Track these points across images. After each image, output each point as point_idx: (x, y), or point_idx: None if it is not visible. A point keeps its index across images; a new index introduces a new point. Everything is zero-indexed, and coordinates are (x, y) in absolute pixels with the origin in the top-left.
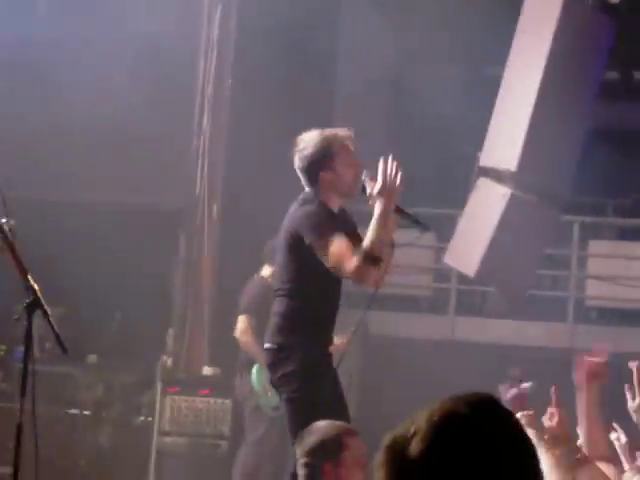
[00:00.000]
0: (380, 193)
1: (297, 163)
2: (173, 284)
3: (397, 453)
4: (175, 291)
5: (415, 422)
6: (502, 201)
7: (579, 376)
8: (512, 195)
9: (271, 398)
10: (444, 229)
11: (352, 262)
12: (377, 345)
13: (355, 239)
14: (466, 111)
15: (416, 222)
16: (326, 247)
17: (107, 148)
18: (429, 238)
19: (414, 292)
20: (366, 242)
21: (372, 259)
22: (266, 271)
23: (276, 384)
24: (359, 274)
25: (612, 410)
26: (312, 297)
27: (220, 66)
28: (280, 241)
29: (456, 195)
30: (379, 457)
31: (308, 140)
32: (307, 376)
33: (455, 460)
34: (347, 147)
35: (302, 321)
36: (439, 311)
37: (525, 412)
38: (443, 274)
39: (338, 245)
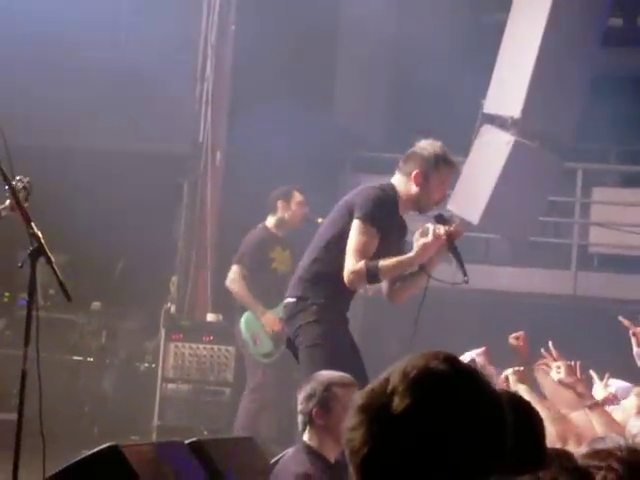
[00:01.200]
0: (424, 244)
1: (412, 155)
2: (177, 231)
3: (377, 411)
4: (178, 238)
5: (389, 380)
6: (506, 148)
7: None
8: (516, 142)
9: (259, 347)
10: None
11: (356, 263)
12: (379, 296)
13: (389, 248)
14: (469, 59)
15: (461, 267)
16: (358, 231)
17: (111, 96)
18: None
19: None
20: (384, 262)
21: (373, 278)
22: (269, 221)
23: (293, 336)
24: (351, 277)
25: (620, 355)
26: (339, 265)
27: (223, 13)
28: (336, 207)
29: (460, 142)
30: (354, 417)
31: (430, 144)
32: (325, 328)
33: (441, 413)
34: (449, 173)
35: (326, 280)
36: (443, 259)
37: (515, 369)
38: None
39: (364, 239)
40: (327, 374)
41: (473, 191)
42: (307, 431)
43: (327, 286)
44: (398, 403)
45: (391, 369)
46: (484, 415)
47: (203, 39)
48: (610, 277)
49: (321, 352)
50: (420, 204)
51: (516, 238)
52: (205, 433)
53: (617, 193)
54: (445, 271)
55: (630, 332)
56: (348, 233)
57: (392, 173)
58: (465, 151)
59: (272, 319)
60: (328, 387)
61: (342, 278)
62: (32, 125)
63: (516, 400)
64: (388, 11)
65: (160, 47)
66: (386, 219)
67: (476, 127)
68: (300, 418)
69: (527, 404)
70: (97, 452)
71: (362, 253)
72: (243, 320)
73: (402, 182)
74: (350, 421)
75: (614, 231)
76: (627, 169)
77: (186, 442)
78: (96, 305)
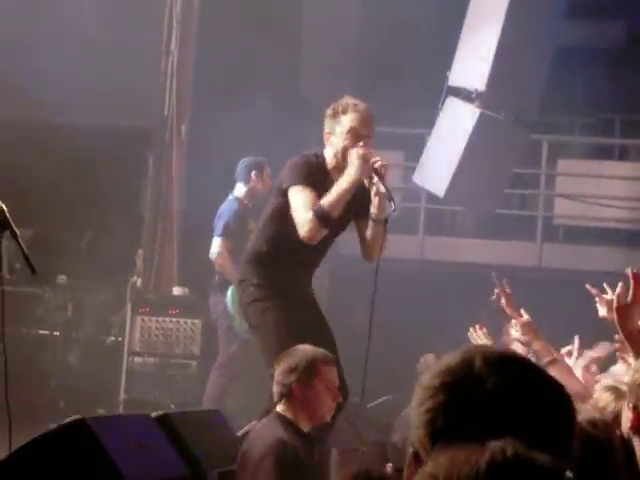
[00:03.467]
0: (360, 158)
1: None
2: (142, 205)
3: (472, 387)
4: (145, 211)
5: (468, 363)
6: (471, 120)
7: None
8: (481, 114)
9: (244, 322)
10: (412, 148)
11: (306, 215)
12: (346, 266)
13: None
14: (434, 32)
15: (390, 200)
16: (293, 195)
17: (76, 70)
18: (397, 157)
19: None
20: (325, 198)
21: (324, 218)
22: (239, 190)
23: (244, 314)
24: (306, 231)
25: (584, 325)
26: (274, 244)
27: None
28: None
29: (425, 115)
30: (437, 397)
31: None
32: (264, 306)
33: (526, 388)
34: (354, 118)
35: (261, 259)
36: (408, 231)
37: (524, 319)
38: (412, 193)
39: (301, 196)
40: (309, 349)
41: (438, 163)
42: (283, 402)
43: (263, 265)
44: (492, 381)
45: (455, 356)
46: (557, 393)
47: (168, 12)
48: (575, 249)
49: (264, 330)
50: (339, 160)
51: (481, 210)
52: (172, 406)
53: (582, 165)
54: (411, 242)
55: (596, 299)
56: (279, 211)
57: None
58: (431, 124)
59: None
60: (312, 363)
61: (279, 255)
62: None
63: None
64: None
65: (125, 20)
66: (315, 175)
67: (441, 100)
68: (277, 389)
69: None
70: (64, 425)
71: (305, 207)
72: (229, 294)
73: (326, 150)
74: (430, 401)
75: (579, 203)
76: (591, 141)
77: (153, 415)
78: (62, 279)
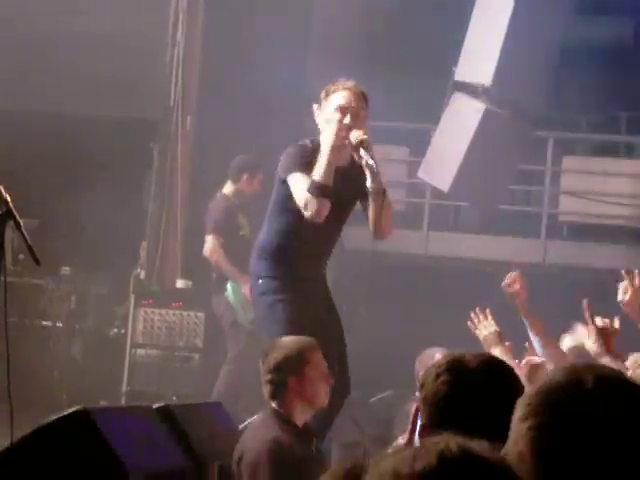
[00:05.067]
0: (333, 121)
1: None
2: (147, 196)
3: (582, 408)
4: (149, 203)
5: (572, 380)
6: (476, 116)
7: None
8: (486, 110)
9: (249, 313)
10: (418, 143)
11: (305, 196)
12: (351, 261)
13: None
14: (441, 26)
15: (374, 173)
16: (291, 184)
17: (81, 61)
18: (402, 152)
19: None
20: (314, 172)
21: (317, 190)
22: (228, 188)
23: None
24: (307, 210)
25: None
26: (277, 235)
27: None
28: None
29: (430, 110)
30: (535, 417)
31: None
32: (271, 299)
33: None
34: (340, 97)
35: (266, 252)
36: (413, 226)
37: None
38: (417, 189)
39: (298, 181)
40: (292, 340)
41: (443, 159)
42: (277, 398)
43: (271, 258)
44: (604, 403)
45: (564, 373)
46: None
47: (174, 1)
48: (579, 246)
49: (272, 325)
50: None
51: (486, 206)
52: (174, 399)
53: (587, 162)
54: (415, 238)
55: (619, 285)
56: (281, 202)
57: None
58: (436, 119)
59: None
60: (301, 352)
61: (287, 246)
62: None
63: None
64: None
65: (130, 11)
66: (311, 160)
67: (447, 95)
68: (268, 387)
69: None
70: (66, 415)
71: (304, 190)
72: (230, 288)
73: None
74: (535, 419)
75: (584, 200)
76: (598, 138)
77: (154, 407)
78: (65, 270)
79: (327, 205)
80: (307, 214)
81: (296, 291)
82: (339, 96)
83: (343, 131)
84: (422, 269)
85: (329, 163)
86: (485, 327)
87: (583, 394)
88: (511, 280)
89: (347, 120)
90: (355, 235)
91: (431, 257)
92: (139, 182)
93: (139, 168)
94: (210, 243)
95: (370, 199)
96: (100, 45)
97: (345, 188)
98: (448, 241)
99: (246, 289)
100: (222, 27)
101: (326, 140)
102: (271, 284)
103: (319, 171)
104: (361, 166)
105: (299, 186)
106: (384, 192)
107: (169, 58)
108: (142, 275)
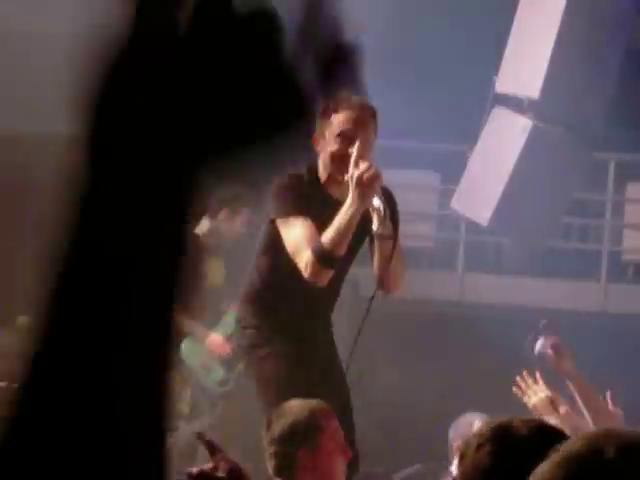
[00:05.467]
0: (361, 184)
1: None
2: None
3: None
4: None
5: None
6: (522, 134)
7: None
8: (534, 127)
9: (214, 372)
10: (451, 168)
11: (303, 257)
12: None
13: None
14: (479, 30)
15: (382, 217)
16: (285, 230)
17: (57, 76)
18: (432, 178)
19: (413, 244)
20: (325, 234)
21: (325, 258)
22: (202, 226)
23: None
24: (309, 274)
25: None
26: (268, 282)
27: None
28: None
29: (467, 127)
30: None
31: None
32: (260, 354)
33: None
34: (346, 116)
35: (257, 300)
36: (445, 267)
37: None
38: (449, 222)
39: (295, 231)
40: (301, 404)
41: (482, 186)
42: (284, 475)
43: (261, 304)
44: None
45: (582, 441)
46: None
47: None
48: None
49: (262, 385)
50: (332, 171)
51: (534, 243)
52: None
53: None
54: (447, 281)
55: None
56: (272, 242)
57: None
58: (473, 138)
59: (217, 340)
60: (313, 419)
61: (279, 292)
62: None
63: None
64: None
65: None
66: (307, 197)
67: (487, 110)
68: (274, 462)
69: None
70: None
71: (303, 243)
72: (184, 347)
73: (319, 161)
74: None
75: None
76: None
77: None
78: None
79: (330, 274)
80: (306, 276)
81: (291, 342)
82: (344, 119)
83: (376, 182)
84: (456, 319)
85: (346, 233)
86: (535, 393)
87: (603, 465)
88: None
89: (355, 150)
90: (372, 278)
91: (467, 304)
92: None
93: None
94: None
95: (376, 245)
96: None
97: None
98: (487, 285)
99: (213, 344)
100: None
101: (351, 208)
102: (262, 334)
103: (332, 237)
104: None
105: (296, 238)
106: (395, 240)
107: None
108: None
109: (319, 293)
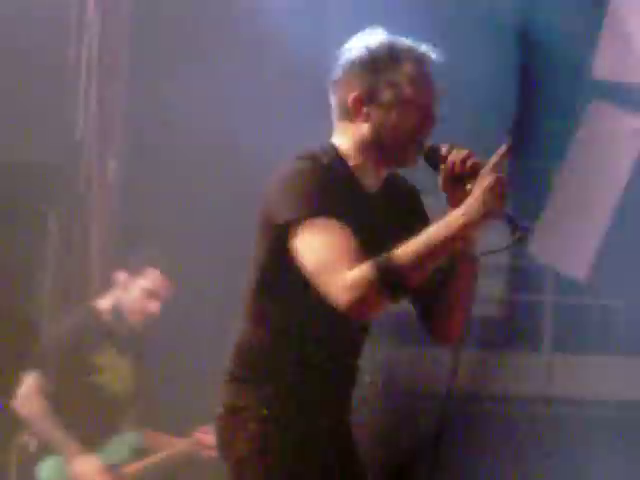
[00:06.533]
0: (489, 191)
1: (339, 75)
2: (40, 292)
3: None
4: (43, 301)
5: None
6: (635, 140)
7: None
8: None
9: None
10: (525, 195)
11: (344, 274)
12: (403, 402)
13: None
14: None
15: (513, 226)
16: (308, 237)
17: None
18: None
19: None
20: (399, 252)
21: (392, 281)
22: (106, 300)
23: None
24: (349, 299)
25: None
26: (279, 322)
27: None
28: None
29: (545, 132)
30: None
31: (356, 41)
32: (260, 445)
33: None
34: (414, 73)
35: (256, 358)
36: (523, 344)
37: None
38: (530, 278)
39: (326, 238)
40: None
41: (576, 221)
42: None
43: (261, 370)
44: None
45: None
46: None
47: None
48: None
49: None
50: (385, 148)
51: None
52: None
53: None
54: (525, 363)
55: None
56: (277, 264)
57: None
58: (559, 149)
59: (94, 468)
60: None
61: (286, 351)
62: None
63: None
64: None
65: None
66: (336, 191)
67: (578, 106)
68: None
69: None
70: None
71: (342, 258)
72: (47, 469)
73: (342, 130)
74: None
75: None
76: None
77: None
78: None
79: (384, 309)
80: (343, 302)
81: (298, 428)
82: (414, 75)
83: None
84: (542, 416)
85: (441, 251)
86: None
87: None
88: None
89: (504, 148)
90: (408, 360)
91: (557, 398)
92: (25, 270)
93: (26, 247)
94: (26, 386)
95: (452, 269)
96: None
97: (381, 235)
98: (585, 368)
99: (84, 473)
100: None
101: (464, 220)
102: (262, 419)
103: (417, 255)
104: (403, 193)
105: (327, 251)
106: (475, 260)
107: (74, 61)
108: None
109: (346, 342)
